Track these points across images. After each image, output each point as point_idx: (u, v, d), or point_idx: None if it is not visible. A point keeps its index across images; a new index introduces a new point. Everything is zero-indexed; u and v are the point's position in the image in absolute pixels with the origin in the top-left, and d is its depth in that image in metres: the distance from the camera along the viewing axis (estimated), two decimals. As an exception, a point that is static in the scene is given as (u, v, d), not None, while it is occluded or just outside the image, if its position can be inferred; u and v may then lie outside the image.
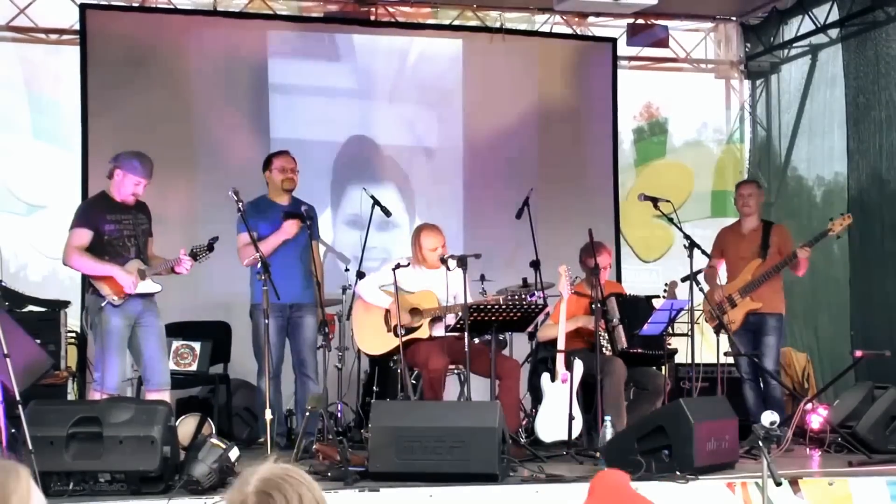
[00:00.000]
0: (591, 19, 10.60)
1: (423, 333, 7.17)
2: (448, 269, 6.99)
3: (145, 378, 6.61)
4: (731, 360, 8.04)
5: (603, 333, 7.34)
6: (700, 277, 7.31)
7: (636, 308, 7.53)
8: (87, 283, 6.57)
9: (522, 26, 10.50)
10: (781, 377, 8.17)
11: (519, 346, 8.24)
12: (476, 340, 7.23)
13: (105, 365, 6.36)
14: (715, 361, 7.84)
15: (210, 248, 6.58)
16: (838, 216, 7.70)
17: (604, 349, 7.28)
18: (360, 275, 7.85)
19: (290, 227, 7.17)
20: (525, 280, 8.36)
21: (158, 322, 6.63)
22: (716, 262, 8.06)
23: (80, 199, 8.88)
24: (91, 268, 6.47)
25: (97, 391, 6.38)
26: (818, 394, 7.94)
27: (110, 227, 6.48)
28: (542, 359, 7.45)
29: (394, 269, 6.97)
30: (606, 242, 8.33)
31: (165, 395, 6.53)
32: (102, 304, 6.38)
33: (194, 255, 6.54)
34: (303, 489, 2.14)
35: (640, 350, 7.47)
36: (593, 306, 7.25)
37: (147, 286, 6.51)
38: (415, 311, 7.15)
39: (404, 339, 7.04)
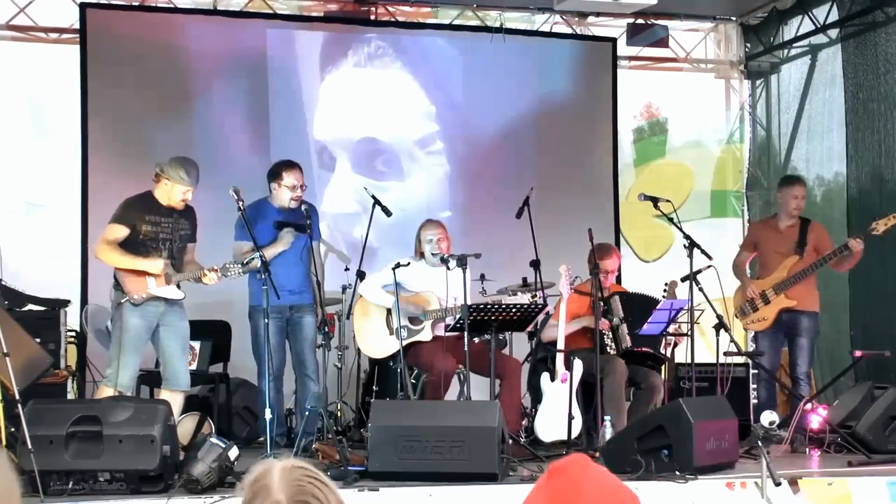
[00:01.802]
0: (590, 19, 10.60)
1: (425, 336, 7.18)
2: (448, 268, 7.00)
3: (164, 377, 6.62)
4: (730, 360, 8.01)
5: (607, 332, 7.34)
6: (706, 274, 7.24)
7: (641, 306, 7.51)
8: (114, 277, 6.56)
9: (522, 26, 10.49)
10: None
11: (519, 345, 8.24)
12: (476, 340, 7.24)
13: (121, 362, 6.36)
14: (714, 361, 7.82)
15: (245, 268, 6.59)
16: (886, 215, 7.62)
17: (608, 348, 7.27)
18: (360, 274, 7.86)
19: (286, 238, 7.12)
20: (525, 280, 8.36)
21: (182, 323, 6.64)
22: (747, 255, 8.04)
23: (80, 198, 8.93)
24: (121, 261, 6.47)
25: (109, 387, 6.38)
26: (818, 394, 7.93)
27: (147, 227, 6.51)
28: (542, 358, 7.45)
29: (393, 269, 6.99)
30: (606, 242, 8.31)
31: (180, 396, 6.55)
32: (122, 301, 6.40)
33: (225, 270, 6.53)
34: (332, 497, 2.00)
35: (645, 349, 7.45)
36: (594, 305, 7.25)
37: (171, 292, 6.52)
38: (415, 318, 7.17)
39: (407, 341, 7.05)
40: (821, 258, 7.74)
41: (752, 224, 8.42)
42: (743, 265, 8.07)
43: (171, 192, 6.55)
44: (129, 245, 6.47)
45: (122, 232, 6.48)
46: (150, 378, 7.15)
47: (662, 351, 7.70)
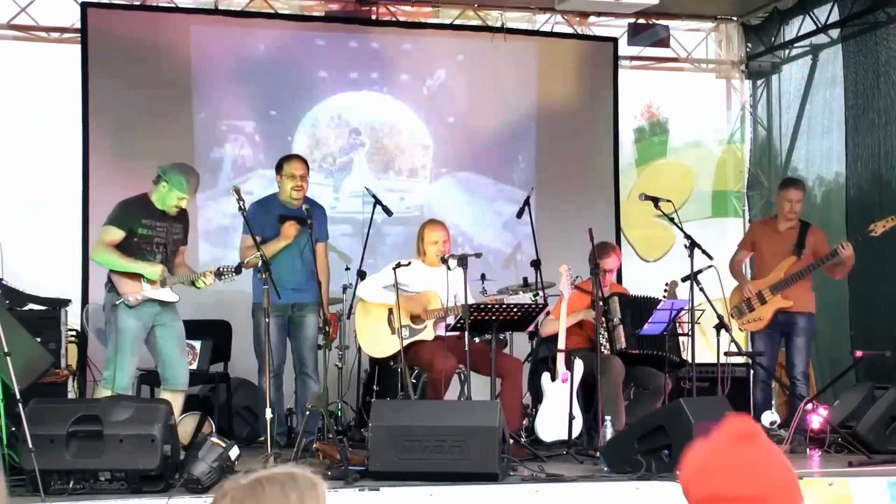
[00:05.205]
0: (592, 19, 10.60)
1: (427, 335, 7.17)
2: (449, 268, 6.99)
3: (163, 378, 6.61)
4: (730, 360, 8.01)
5: (603, 332, 7.33)
6: (707, 274, 7.24)
7: (640, 308, 7.50)
8: (107, 279, 6.55)
9: (523, 26, 10.50)
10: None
11: (519, 345, 8.24)
12: (476, 340, 7.23)
13: (117, 364, 6.36)
14: (715, 361, 7.82)
15: (238, 271, 6.59)
16: (885, 217, 7.61)
17: (603, 348, 7.27)
18: (361, 274, 7.85)
19: (289, 231, 7.12)
20: (525, 280, 8.36)
21: (178, 323, 6.64)
22: (744, 254, 8.04)
23: (81, 198, 8.92)
24: (118, 263, 6.46)
25: (107, 390, 6.37)
26: (818, 394, 7.92)
27: (143, 230, 6.50)
28: (543, 358, 7.45)
29: (394, 269, 6.98)
30: (607, 241, 8.32)
31: (181, 396, 6.55)
32: (117, 303, 6.39)
33: (219, 274, 6.53)
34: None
35: (639, 351, 7.44)
36: (594, 304, 7.25)
37: (165, 294, 6.52)
38: (417, 318, 7.17)
39: (409, 340, 7.05)
40: (816, 261, 7.73)
41: (752, 223, 8.39)
42: (739, 265, 8.07)
43: (167, 197, 6.50)
44: (124, 248, 6.45)
45: (118, 235, 6.46)
46: (151, 378, 7.14)
47: (683, 355, 7.68)
